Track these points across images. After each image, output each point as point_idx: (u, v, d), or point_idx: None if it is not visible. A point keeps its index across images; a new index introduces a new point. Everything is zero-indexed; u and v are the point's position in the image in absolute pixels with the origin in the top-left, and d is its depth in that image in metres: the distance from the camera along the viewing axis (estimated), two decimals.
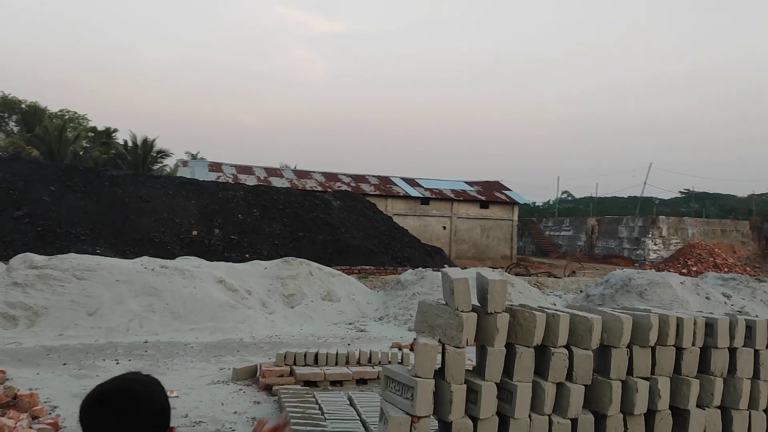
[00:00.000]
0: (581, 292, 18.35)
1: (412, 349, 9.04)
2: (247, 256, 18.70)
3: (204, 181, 22.48)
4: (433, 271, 13.34)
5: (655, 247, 41.58)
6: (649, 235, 41.58)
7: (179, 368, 7.36)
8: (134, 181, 20.41)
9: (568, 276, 23.78)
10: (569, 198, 79.50)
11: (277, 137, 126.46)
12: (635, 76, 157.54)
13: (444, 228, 37.68)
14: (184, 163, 37.84)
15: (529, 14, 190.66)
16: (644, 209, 55.51)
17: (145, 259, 11.54)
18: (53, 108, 52.79)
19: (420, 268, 13.60)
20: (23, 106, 50.28)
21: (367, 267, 19.13)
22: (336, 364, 7.18)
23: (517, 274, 23.93)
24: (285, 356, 7.03)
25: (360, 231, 21.95)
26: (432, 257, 22.89)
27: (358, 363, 7.26)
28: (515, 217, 39.46)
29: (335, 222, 21.77)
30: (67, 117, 54.52)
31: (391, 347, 9.26)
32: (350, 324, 11.43)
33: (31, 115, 48.03)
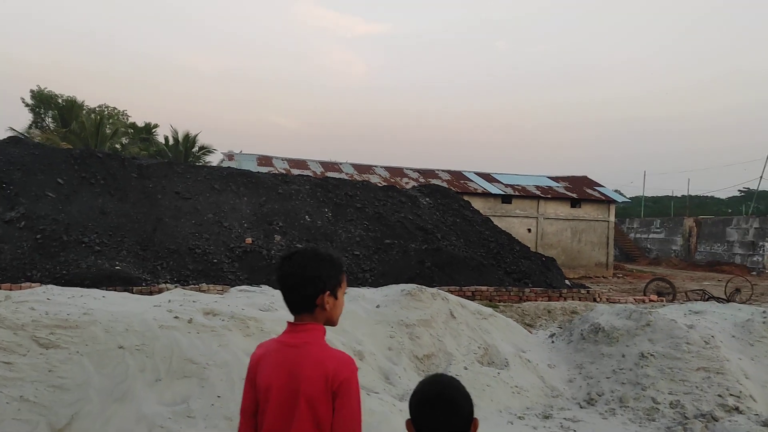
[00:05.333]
0: None
1: None
2: None
3: (259, 172, 17.59)
4: (660, 308, 7.96)
5: None
6: None
7: None
8: (169, 171, 15.60)
9: (731, 295, 18.08)
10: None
11: (322, 140, 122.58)
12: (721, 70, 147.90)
13: (529, 231, 32.17)
14: (230, 157, 33.21)
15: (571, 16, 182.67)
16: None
17: (176, 295, 6.54)
18: (91, 104, 49.34)
19: (633, 307, 8.25)
20: (60, 100, 47.01)
21: (482, 288, 13.89)
22: None
23: (660, 294, 18.40)
24: None
25: (460, 237, 16.73)
26: (550, 270, 17.53)
27: None
28: (611, 218, 33.65)
29: (428, 225, 16.59)
30: (105, 112, 51.26)
31: None
32: (546, 417, 6.23)
33: (68, 110, 44.86)
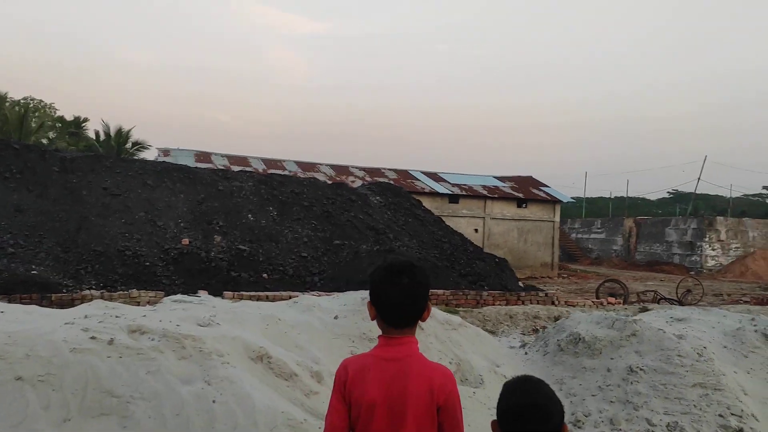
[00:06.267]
0: None
1: None
2: (264, 276, 12.66)
3: (198, 168, 16.34)
4: (640, 314, 7.30)
5: (714, 253, 36.12)
6: (706, 239, 36.11)
7: None
8: (96, 165, 14.19)
9: (682, 296, 17.99)
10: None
11: (264, 138, 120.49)
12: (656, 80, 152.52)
13: (476, 231, 31.80)
14: (165, 153, 31.57)
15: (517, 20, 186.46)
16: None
17: (95, 309, 5.43)
18: (16, 95, 46.45)
19: (614, 315, 7.58)
20: None
21: (438, 291, 13.15)
22: None
23: (612, 295, 18.14)
24: None
25: (413, 237, 15.96)
26: (504, 272, 16.99)
27: None
28: (557, 218, 33.71)
29: (379, 225, 15.75)
30: (31, 105, 48.47)
31: None
32: None
33: None
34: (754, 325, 6.97)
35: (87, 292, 10.89)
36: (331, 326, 6.38)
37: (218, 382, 4.63)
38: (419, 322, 2.06)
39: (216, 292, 11.57)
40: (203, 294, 10.44)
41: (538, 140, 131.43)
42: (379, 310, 2.01)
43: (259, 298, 11.48)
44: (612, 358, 6.54)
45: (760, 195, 67.76)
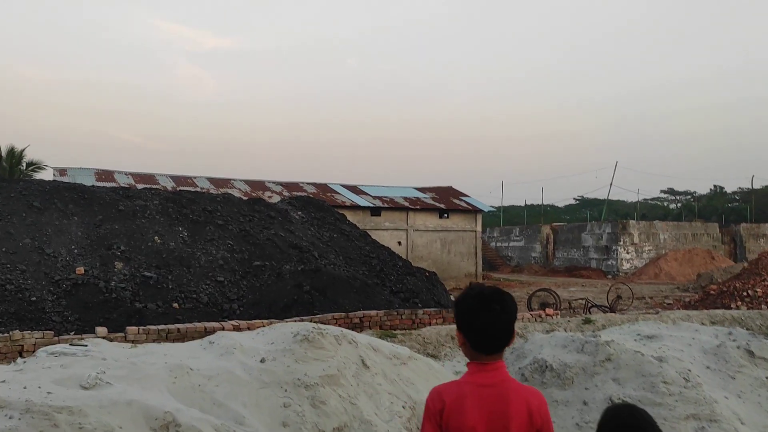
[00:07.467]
0: None
1: None
2: (175, 305, 11.17)
3: (95, 186, 14.55)
4: (620, 341, 6.45)
5: (628, 256, 37.03)
6: (621, 243, 36.98)
7: None
8: None
9: (613, 303, 17.77)
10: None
11: (171, 156, 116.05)
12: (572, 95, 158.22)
13: (399, 243, 30.99)
14: (62, 173, 29.02)
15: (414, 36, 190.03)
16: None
17: None
18: None
19: (582, 337, 6.69)
20: None
21: (371, 312, 12.08)
22: None
23: (544, 305, 17.70)
24: None
25: (339, 254, 14.83)
26: (435, 286, 16.18)
27: None
28: (479, 227, 33.49)
29: (303, 242, 14.52)
30: None
31: None
32: None
33: None
34: (734, 340, 6.31)
35: None
36: (257, 373, 5.16)
37: None
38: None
39: (118, 328, 10.04)
40: (100, 335, 8.92)
41: (454, 151, 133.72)
42: (470, 337, 2.06)
43: (169, 332, 10.01)
44: (587, 389, 5.68)
45: (658, 198, 71.27)
